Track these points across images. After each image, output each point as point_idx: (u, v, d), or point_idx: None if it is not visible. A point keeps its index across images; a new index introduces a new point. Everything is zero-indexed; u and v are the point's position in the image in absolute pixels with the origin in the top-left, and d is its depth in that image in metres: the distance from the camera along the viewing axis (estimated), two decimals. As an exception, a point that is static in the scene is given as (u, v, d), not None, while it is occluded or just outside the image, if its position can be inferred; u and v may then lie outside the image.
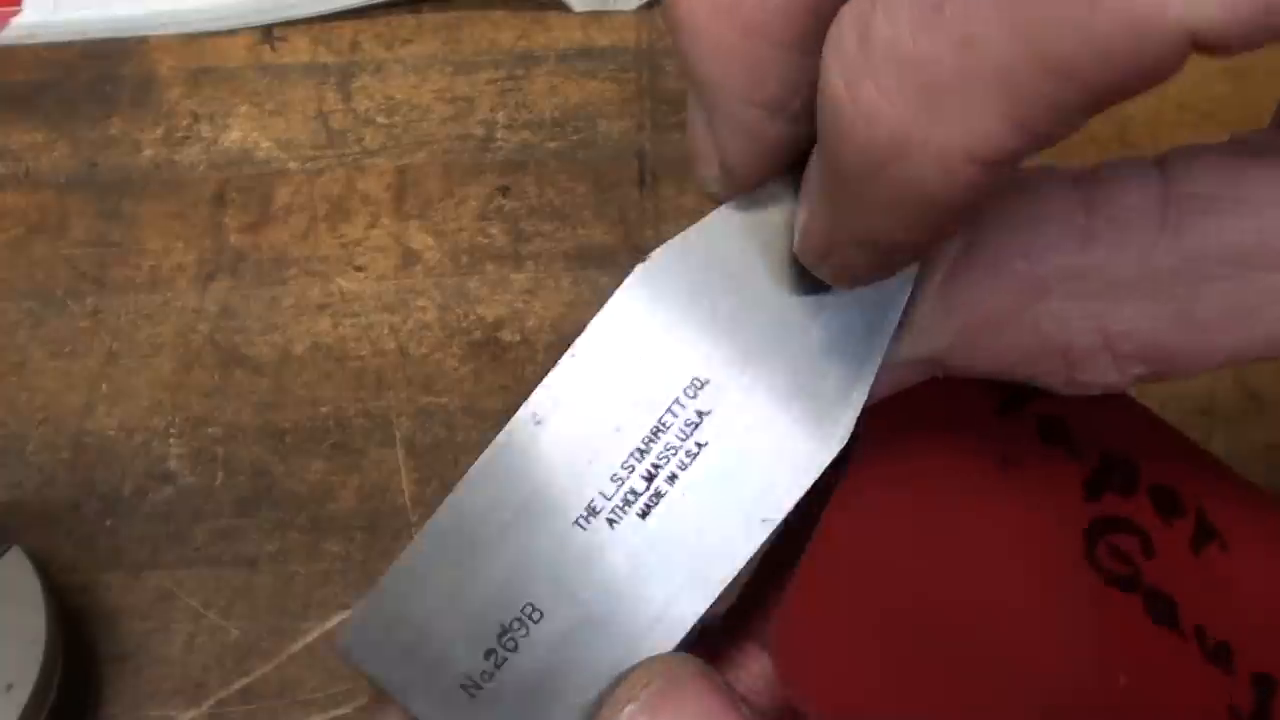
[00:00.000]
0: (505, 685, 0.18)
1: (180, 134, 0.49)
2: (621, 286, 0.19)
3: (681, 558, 0.18)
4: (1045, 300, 0.19)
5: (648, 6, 0.51)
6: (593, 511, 0.18)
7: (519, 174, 0.48)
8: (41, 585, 0.37)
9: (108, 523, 0.42)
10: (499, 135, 0.49)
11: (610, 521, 0.18)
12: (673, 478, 0.18)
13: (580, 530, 0.18)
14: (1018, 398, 0.21)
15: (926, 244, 0.18)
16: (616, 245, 0.46)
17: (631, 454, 0.18)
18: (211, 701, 0.40)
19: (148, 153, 0.49)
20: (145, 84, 0.50)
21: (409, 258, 0.46)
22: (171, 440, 0.43)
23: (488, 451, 0.20)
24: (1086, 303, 0.18)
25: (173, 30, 0.51)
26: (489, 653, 0.18)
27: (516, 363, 0.44)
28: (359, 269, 0.46)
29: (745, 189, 0.19)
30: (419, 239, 0.47)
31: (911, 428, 0.21)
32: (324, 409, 0.44)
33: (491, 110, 0.49)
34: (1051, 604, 0.20)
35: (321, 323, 0.45)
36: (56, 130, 0.49)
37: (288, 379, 0.44)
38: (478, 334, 0.45)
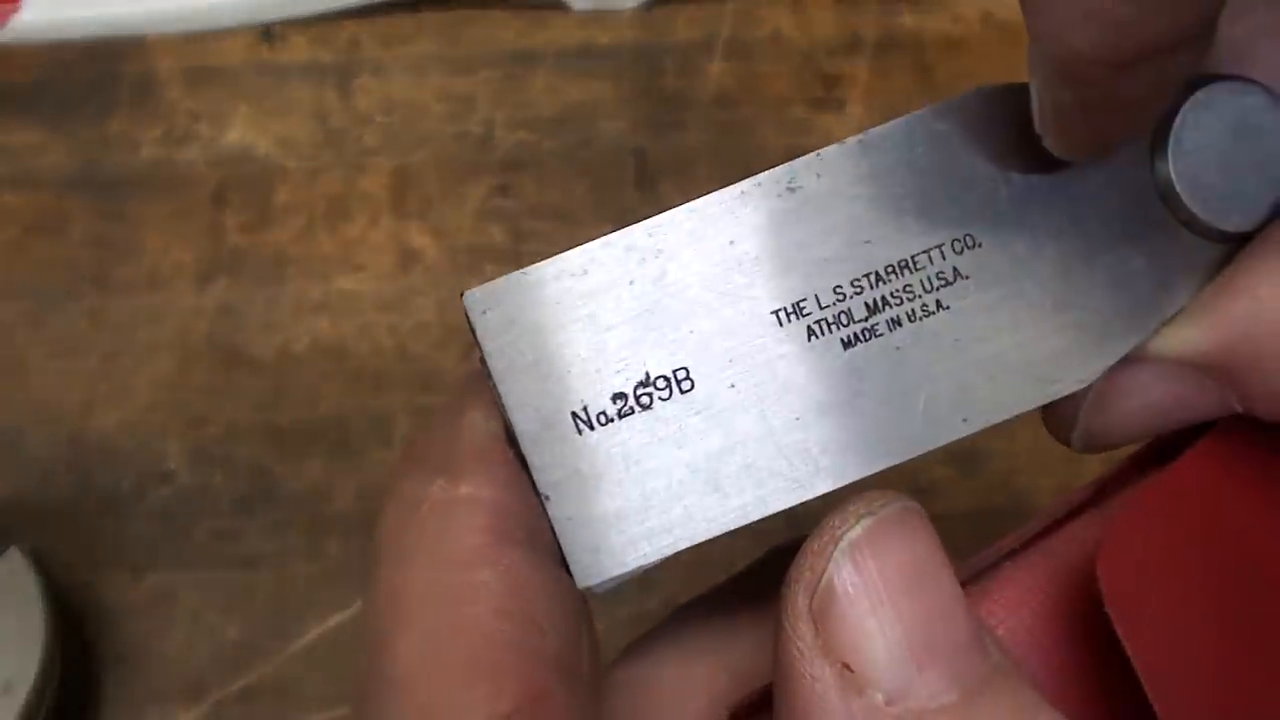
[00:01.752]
0: (618, 438, 0.16)
1: (180, 134, 0.49)
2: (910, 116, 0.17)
3: (857, 413, 0.16)
4: None
5: (647, 7, 0.51)
6: (799, 311, 0.16)
7: (518, 173, 0.48)
8: (41, 585, 0.37)
9: (107, 522, 0.42)
10: (498, 134, 0.49)
11: (810, 332, 0.16)
12: (895, 323, 0.16)
13: (775, 323, 0.16)
14: None
15: (1115, 69, 0.15)
16: (616, 245, 0.46)
17: (869, 275, 0.16)
18: (211, 701, 0.40)
19: (147, 152, 0.49)
20: (145, 84, 0.50)
21: (408, 257, 0.46)
22: (171, 440, 0.43)
23: (720, 194, 0.17)
24: None
25: (172, 30, 0.51)
26: (619, 396, 0.16)
27: (516, 362, 0.44)
28: (358, 268, 0.46)
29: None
30: (418, 239, 0.47)
31: None
32: (324, 409, 0.44)
33: (490, 109, 0.49)
34: None
35: (321, 322, 0.45)
36: (56, 130, 0.49)
37: (287, 379, 0.44)
38: (477, 334, 0.45)
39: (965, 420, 0.16)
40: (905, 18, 0.51)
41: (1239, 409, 0.17)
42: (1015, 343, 0.16)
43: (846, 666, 0.14)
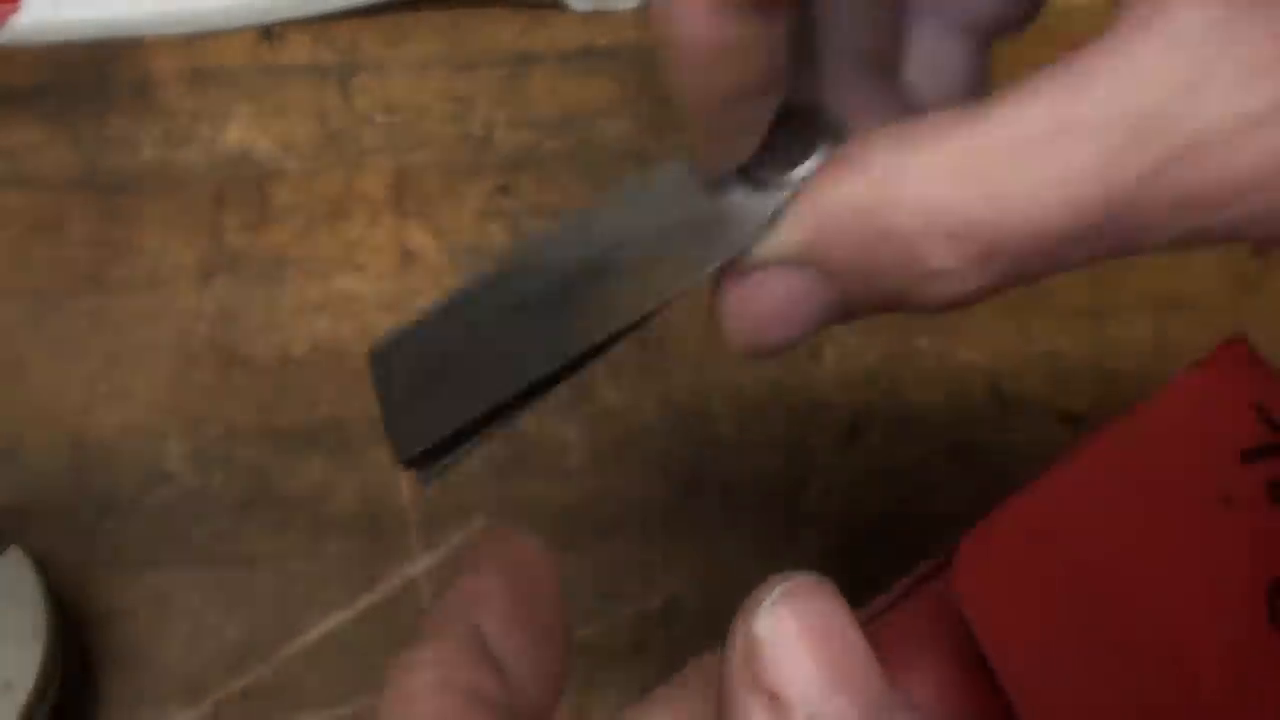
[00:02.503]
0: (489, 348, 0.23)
1: (180, 134, 0.49)
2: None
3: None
4: (872, 188, 0.21)
5: (648, 6, 0.51)
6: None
7: (519, 173, 0.48)
8: (41, 585, 0.37)
9: (107, 523, 0.42)
10: (499, 135, 0.49)
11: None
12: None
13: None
14: (1264, 451, 0.21)
15: (727, 102, 0.21)
16: (616, 245, 0.46)
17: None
18: (210, 701, 0.40)
19: (147, 153, 0.49)
20: (145, 84, 0.50)
21: (408, 257, 0.46)
22: (171, 440, 0.43)
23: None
24: (904, 189, 0.20)
25: (172, 30, 0.51)
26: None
27: (516, 362, 0.44)
28: (358, 269, 0.46)
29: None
30: (419, 239, 0.47)
31: (1156, 434, 0.21)
32: (324, 409, 0.44)
33: (491, 110, 0.49)
34: (1226, 642, 0.20)
35: (321, 322, 0.45)
36: (56, 130, 0.49)
37: (287, 379, 0.44)
38: (477, 334, 0.45)
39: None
40: (905, 18, 0.51)
41: (840, 300, 0.22)
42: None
43: (774, 696, 0.18)
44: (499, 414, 0.24)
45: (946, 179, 0.20)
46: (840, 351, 0.44)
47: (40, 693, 0.36)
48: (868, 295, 0.21)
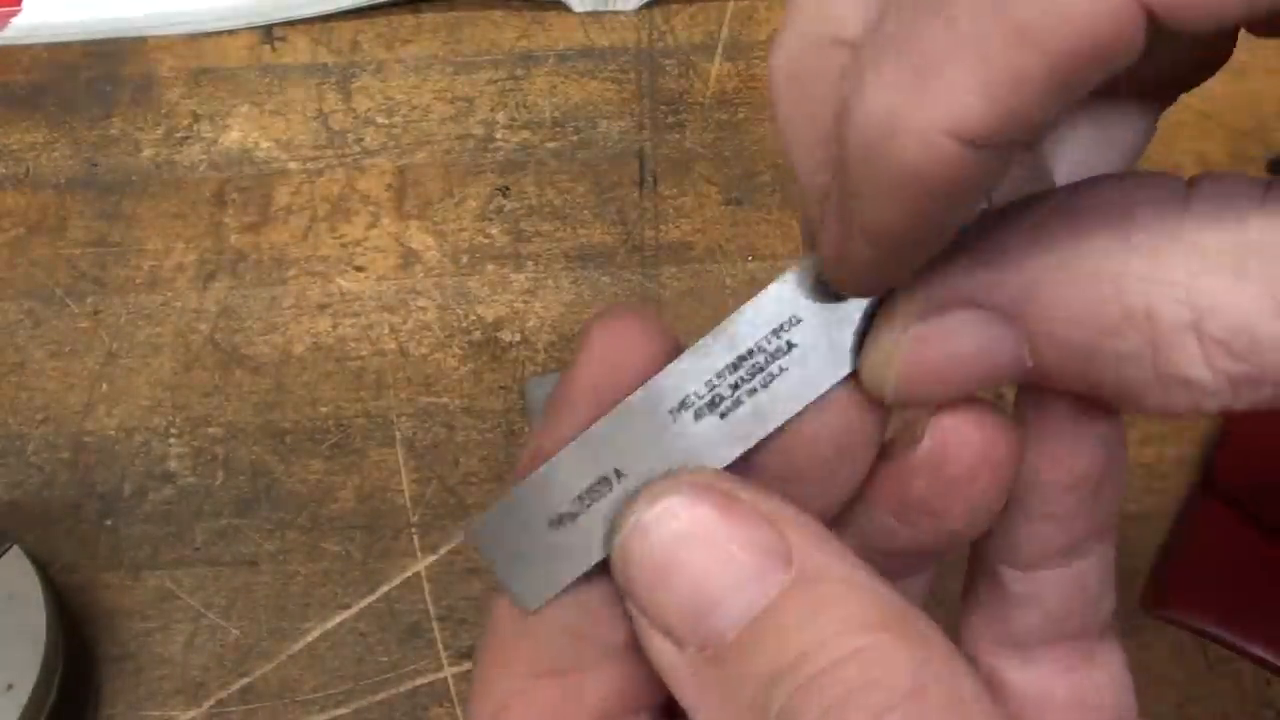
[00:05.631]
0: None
1: (180, 134, 0.49)
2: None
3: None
4: (1129, 255, 0.18)
5: (648, 7, 0.51)
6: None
7: (519, 174, 0.48)
8: (41, 585, 0.37)
9: (108, 523, 0.42)
10: (499, 135, 0.49)
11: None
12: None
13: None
14: None
15: (927, 236, 0.18)
16: (616, 245, 0.46)
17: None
18: (211, 701, 0.40)
19: (148, 153, 0.49)
20: (145, 84, 0.50)
21: (409, 258, 0.46)
22: (171, 440, 0.43)
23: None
24: (1174, 269, 0.17)
25: (173, 30, 0.51)
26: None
27: (516, 362, 0.44)
28: (359, 269, 0.46)
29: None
30: (419, 239, 0.47)
31: None
32: (324, 409, 0.44)
33: (491, 110, 0.49)
34: None
35: (321, 323, 0.45)
36: (56, 130, 0.49)
37: (288, 379, 0.44)
38: (478, 334, 0.45)
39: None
40: (905, 18, 0.51)
41: (1029, 364, 0.19)
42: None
43: (669, 632, 0.19)
44: None
45: (1228, 272, 0.17)
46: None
47: (40, 692, 0.36)
48: (1074, 373, 0.19)
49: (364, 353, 0.45)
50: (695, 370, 0.22)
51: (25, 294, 0.46)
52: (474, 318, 0.45)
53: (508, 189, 0.48)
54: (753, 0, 0.51)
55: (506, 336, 0.45)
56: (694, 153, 0.48)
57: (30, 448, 0.43)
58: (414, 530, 0.42)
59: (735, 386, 0.22)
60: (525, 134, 0.49)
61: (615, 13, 0.51)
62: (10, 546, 0.37)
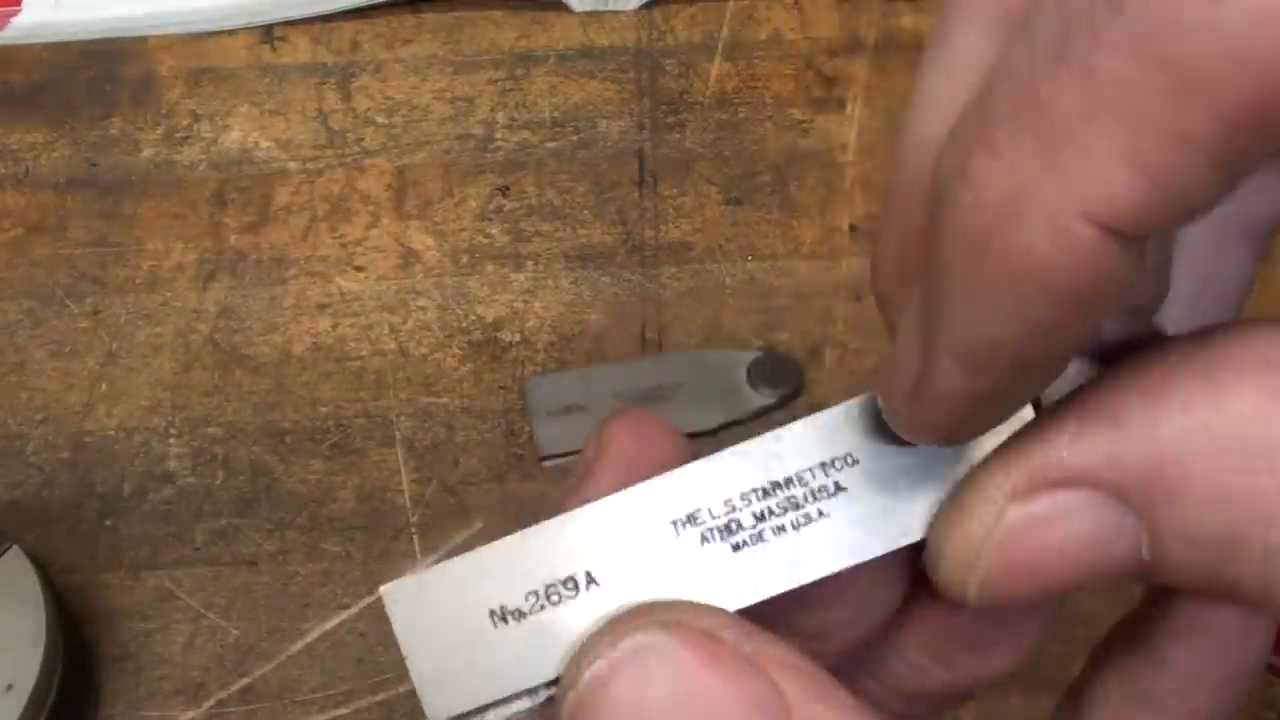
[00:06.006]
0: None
1: (180, 134, 0.49)
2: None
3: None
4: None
5: (648, 7, 0.51)
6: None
7: (519, 174, 0.48)
8: (41, 585, 0.37)
9: (108, 523, 0.42)
10: (499, 135, 0.49)
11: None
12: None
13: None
14: None
15: (1041, 363, 0.14)
16: (616, 245, 0.46)
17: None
18: (211, 702, 0.40)
19: (148, 153, 0.49)
20: (145, 84, 0.50)
21: (409, 258, 0.46)
22: (171, 440, 0.43)
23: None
24: None
25: (173, 30, 0.51)
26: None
27: (516, 363, 0.44)
28: (359, 269, 0.46)
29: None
30: (419, 239, 0.47)
31: None
32: (324, 409, 0.44)
33: (491, 110, 0.49)
34: None
35: (321, 323, 0.45)
36: (56, 130, 0.49)
37: (288, 379, 0.44)
38: (477, 334, 0.45)
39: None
40: (905, 18, 0.51)
41: (1147, 556, 0.15)
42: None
43: None
44: None
45: None
46: (840, 352, 0.45)
47: (40, 693, 0.36)
48: (1205, 569, 0.15)
49: (364, 353, 0.45)
50: (716, 482, 0.18)
51: (25, 294, 0.46)
52: (474, 318, 0.45)
53: (507, 189, 0.48)
54: (753, 0, 0.51)
55: (506, 336, 0.45)
56: (694, 153, 0.48)
57: (30, 448, 0.43)
58: (414, 530, 0.42)
59: (760, 518, 0.18)
60: (525, 134, 0.49)
61: (615, 13, 0.51)
62: (10, 546, 0.37)
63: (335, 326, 0.45)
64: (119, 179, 0.48)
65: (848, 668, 0.17)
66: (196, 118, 0.49)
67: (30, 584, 0.37)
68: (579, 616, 0.18)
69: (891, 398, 0.16)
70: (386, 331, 0.45)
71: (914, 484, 0.18)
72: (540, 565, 0.18)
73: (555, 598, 0.18)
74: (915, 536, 0.18)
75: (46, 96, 0.50)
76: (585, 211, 0.47)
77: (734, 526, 0.18)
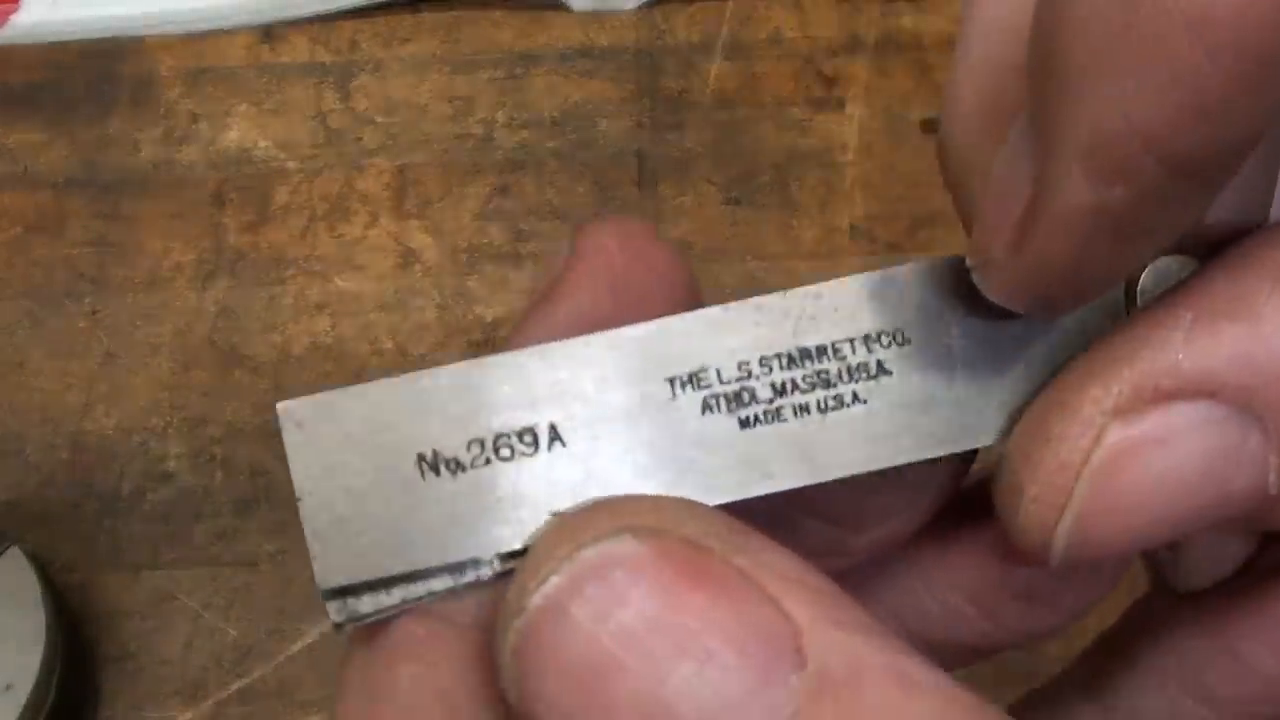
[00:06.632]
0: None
1: (179, 134, 0.49)
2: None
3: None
4: None
5: (648, 7, 0.51)
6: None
7: (518, 174, 0.48)
8: (41, 585, 0.37)
9: (107, 523, 0.42)
10: (498, 135, 0.49)
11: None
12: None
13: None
14: None
15: (1193, 164, 0.11)
16: (616, 245, 0.46)
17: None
18: (210, 702, 0.40)
19: (147, 153, 0.49)
20: (144, 84, 0.50)
21: (408, 257, 0.46)
22: (170, 440, 0.43)
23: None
24: None
25: (172, 30, 0.51)
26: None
27: (516, 363, 0.44)
28: (358, 268, 0.46)
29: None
30: (418, 239, 0.47)
31: None
32: (323, 409, 0.44)
33: (491, 110, 0.49)
34: None
35: (320, 322, 0.45)
36: (55, 130, 0.49)
37: (287, 379, 0.44)
38: (477, 334, 0.45)
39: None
40: (905, 18, 0.51)
41: (1275, 489, 0.12)
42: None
43: None
44: None
45: None
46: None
47: (40, 693, 0.36)
48: None
49: (363, 352, 0.45)
50: (732, 338, 0.14)
51: (24, 294, 0.46)
52: (473, 317, 0.45)
53: (507, 189, 0.48)
54: (753, 0, 0.51)
55: (506, 336, 0.45)
56: (694, 152, 0.48)
57: (29, 448, 0.43)
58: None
59: (780, 391, 0.14)
60: (524, 134, 0.49)
61: (615, 12, 0.51)
62: (10, 546, 0.37)
63: (334, 326, 0.45)
64: (118, 179, 0.48)
65: (859, 599, 0.13)
66: (195, 117, 0.49)
67: (29, 584, 0.37)
68: (532, 482, 0.14)
69: (989, 242, 0.12)
70: (385, 331, 0.45)
71: (976, 379, 0.14)
72: (492, 408, 0.14)
73: (506, 452, 0.14)
74: (969, 444, 0.14)
75: (45, 96, 0.50)
76: (585, 211, 0.47)
77: (746, 396, 0.14)
